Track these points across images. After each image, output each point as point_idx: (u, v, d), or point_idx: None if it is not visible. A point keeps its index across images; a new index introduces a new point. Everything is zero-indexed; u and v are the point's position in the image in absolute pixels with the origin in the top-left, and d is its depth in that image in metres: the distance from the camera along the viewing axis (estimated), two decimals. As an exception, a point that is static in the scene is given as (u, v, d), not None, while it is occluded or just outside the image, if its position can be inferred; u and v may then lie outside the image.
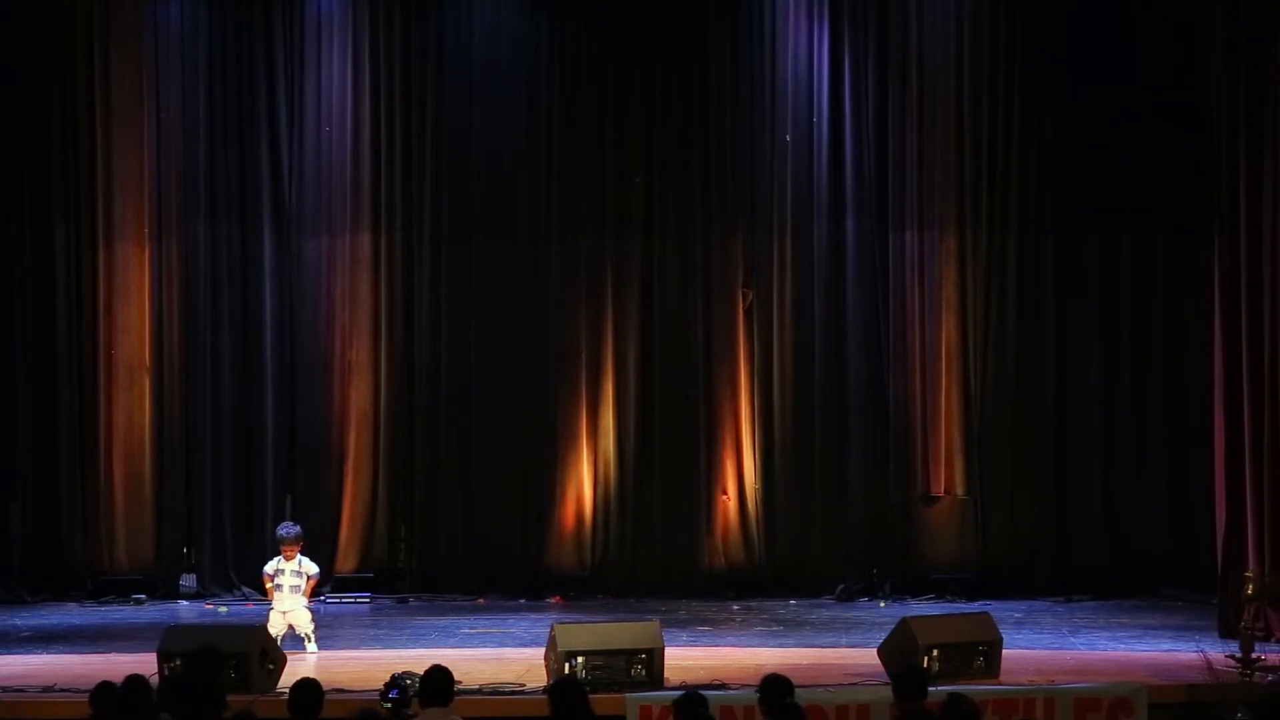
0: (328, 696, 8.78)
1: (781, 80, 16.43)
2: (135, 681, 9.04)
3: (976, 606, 14.51)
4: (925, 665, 11.11)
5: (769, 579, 16.31)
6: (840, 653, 13.05)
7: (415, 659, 11.15)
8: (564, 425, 16.48)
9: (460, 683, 9.34)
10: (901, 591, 16.04)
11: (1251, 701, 9.78)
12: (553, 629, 11.66)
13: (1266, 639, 12.44)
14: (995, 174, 16.23)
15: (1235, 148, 13.38)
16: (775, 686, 8.76)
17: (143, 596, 16.24)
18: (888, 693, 10.23)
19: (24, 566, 16.37)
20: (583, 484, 16.49)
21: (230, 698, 10.22)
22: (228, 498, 16.57)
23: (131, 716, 8.58)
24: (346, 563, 16.46)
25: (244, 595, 16.21)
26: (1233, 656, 11.25)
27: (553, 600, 16.05)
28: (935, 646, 11.44)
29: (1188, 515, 15.90)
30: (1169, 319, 16.19)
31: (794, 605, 15.76)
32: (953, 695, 8.35)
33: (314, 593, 13.97)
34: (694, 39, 16.53)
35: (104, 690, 8.80)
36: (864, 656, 12.15)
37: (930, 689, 8.84)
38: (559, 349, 16.55)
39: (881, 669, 11.59)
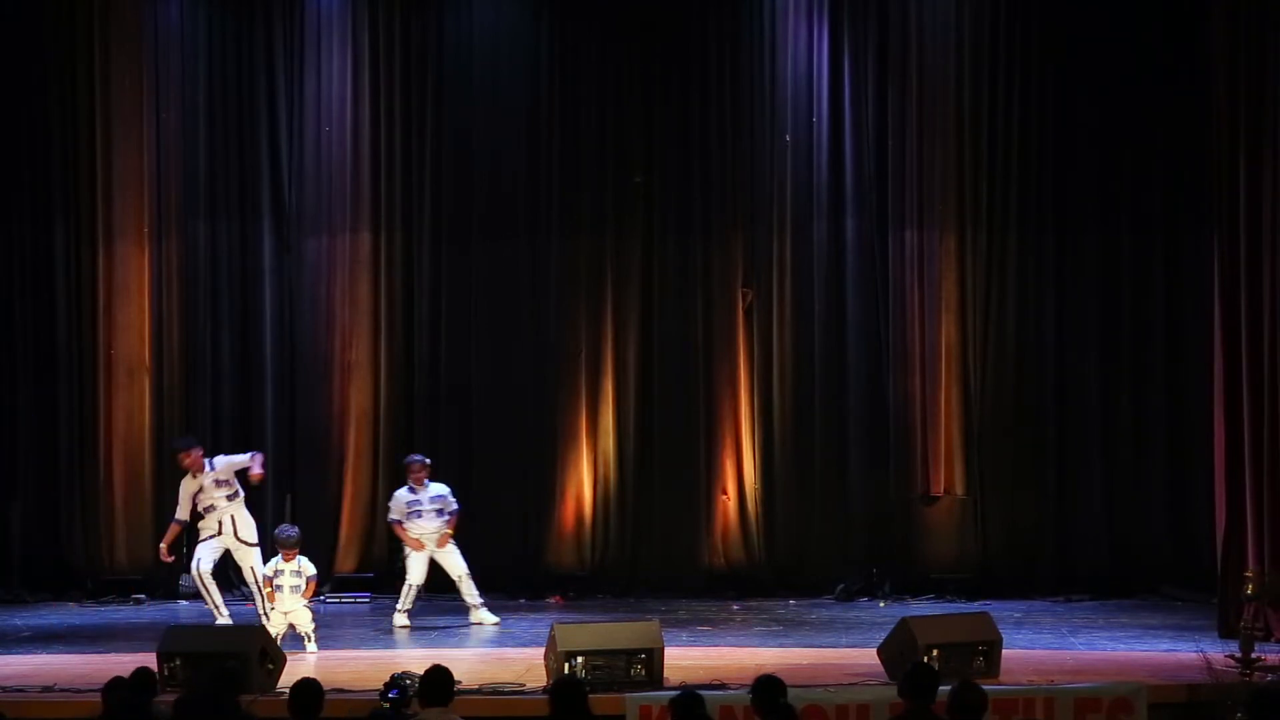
0: (328, 696, 8.78)
1: (781, 80, 16.43)
2: (141, 675, 9.12)
3: (976, 606, 14.51)
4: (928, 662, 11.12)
5: (769, 579, 16.31)
6: (840, 653, 13.04)
7: (415, 659, 11.16)
8: (564, 425, 16.49)
9: (460, 683, 9.34)
10: (901, 591, 16.04)
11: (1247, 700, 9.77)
12: (553, 629, 11.66)
13: (1266, 639, 12.43)
14: (995, 174, 16.22)
15: (1235, 148, 13.37)
16: (768, 687, 8.72)
17: (143, 596, 16.24)
18: (888, 693, 10.26)
19: (24, 566, 16.38)
20: (583, 484, 16.50)
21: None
22: (228, 498, 16.57)
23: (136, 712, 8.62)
24: (346, 563, 16.47)
25: (244, 595, 16.17)
26: (1233, 656, 11.26)
27: (553, 600, 16.05)
28: (935, 646, 11.44)
29: (1188, 515, 15.90)
30: (1169, 319, 16.18)
31: (794, 605, 15.76)
32: (963, 683, 8.32)
33: (313, 593, 14.02)
34: (694, 39, 16.53)
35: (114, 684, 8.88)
36: (864, 656, 12.16)
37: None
38: (559, 349, 16.56)
39: (881, 669, 11.60)
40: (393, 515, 14.74)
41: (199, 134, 16.61)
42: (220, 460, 14.05)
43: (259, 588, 13.82)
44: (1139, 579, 15.94)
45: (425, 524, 14.61)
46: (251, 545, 13.94)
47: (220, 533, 13.91)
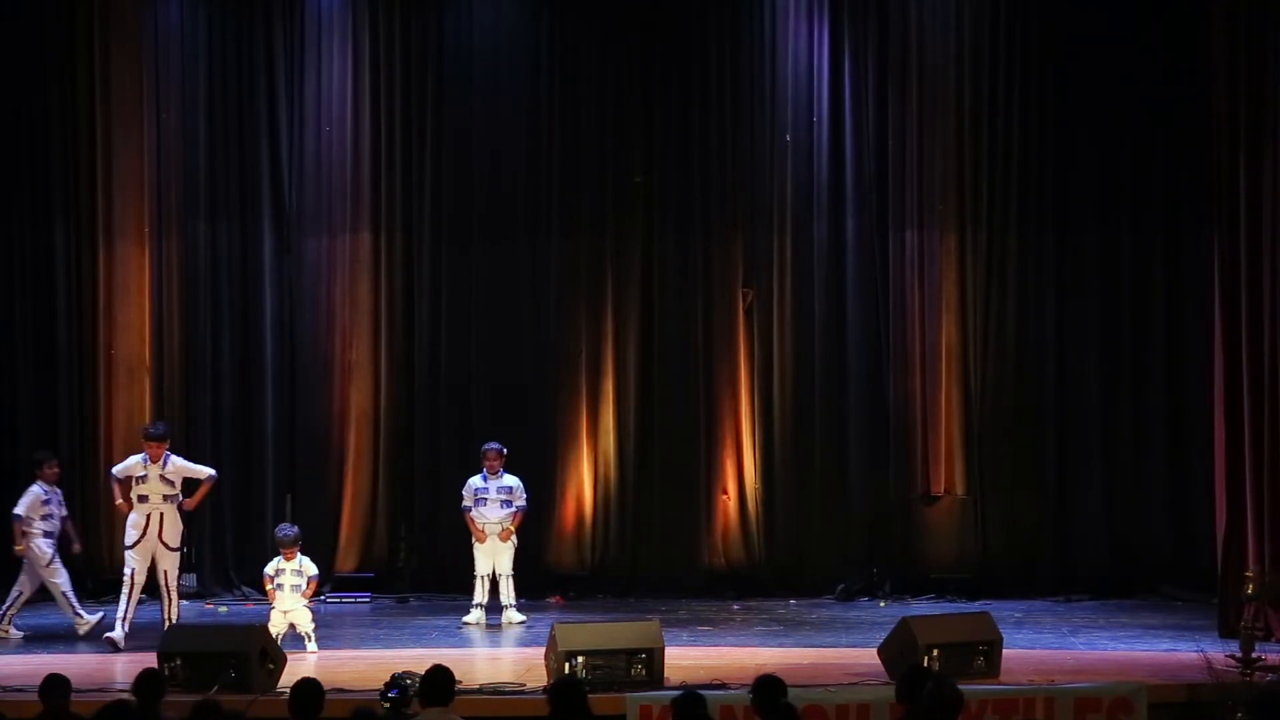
0: (328, 696, 8.78)
1: (781, 80, 16.43)
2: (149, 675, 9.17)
3: (976, 606, 14.52)
4: (925, 665, 11.12)
5: (769, 579, 16.31)
6: (840, 653, 13.05)
7: (415, 659, 11.16)
8: (564, 425, 16.49)
9: (460, 683, 9.34)
10: (901, 591, 16.04)
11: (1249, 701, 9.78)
12: (553, 629, 11.68)
13: (1266, 639, 12.44)
14: (995, 174, 16.23)
15: (1235, 148, 13.39)
16: (768, 687, 8.72)
17: (143, 596, 16.20)
18: (888, 693, 10.26)
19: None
20: (583, 484, 16.50)
21: (230, 697, 10.30)
22: (228, 498, 16.56)
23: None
24: (346, 563, 16.46)
25: (244, 595, 16.22)
26: (1233, 656, 11.26)
27: (553, 600, 16.05)
28: (935, 646, 11.45)
29: (1188, 515, 15.90)
30: (1169, 319, 16.19)
31: (794, 605, 15.76)
32: (939, 679, 8.32)
33: (314, 593, 14.04)
34: (694, 39, 16.53)
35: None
36: (864, 656, 12.17)
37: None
38: (559, 349, 16.56)
39: (881, 669, 11.61)
40: (464, 503, 14.87)
41: (199, 134, 16.60)
42: (177, 461, 14.06)
43: (168, 592, 13.83)
44: (1139, 579, 15.94)
45: (489, 512, 14.72)
46: (173, 550, 13.91)
47: (146, 533, 13.81)
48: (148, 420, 16.27)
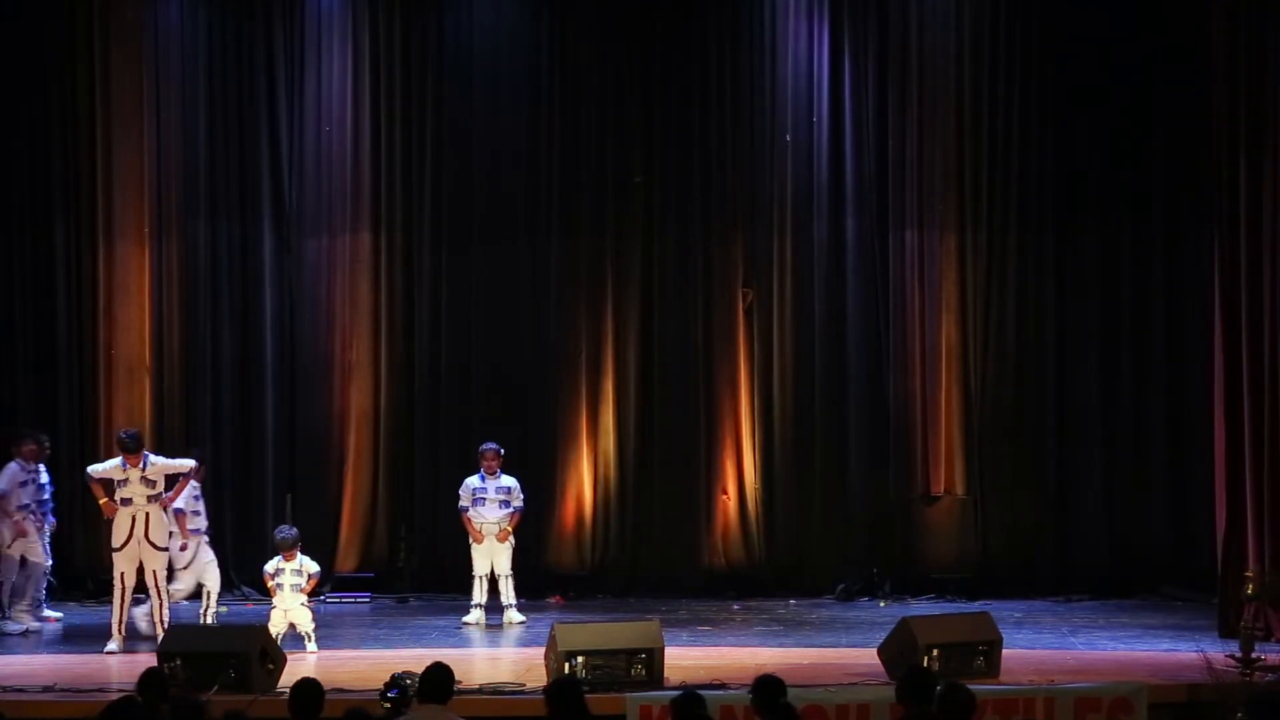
0: (328, 696, 8.78)
1: (781, 80, 16.43)
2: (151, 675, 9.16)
3: (976, 606, 14.52)
4: (925, 665, 11.12)
5: (769, 579, 16.32)
6: (840, 653, 13.06)
7: (415, 659, 11.15)
8: (564, 425, 16.49)
9: (460, 683, 9.34)
10: (901, 591, 16.04)
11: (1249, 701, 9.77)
12: (553, 629, 11.68)
13: (1266, 639, 12.45)
14: (995, 174, 16.23)
15: (1235, 148, 13.39)
16: (768, 687, 8.72)
17: (143, 596, 16.21)
18: (888, 693, 10.26)
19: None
20: (583, 484, 16.50)
21: (230, 698, 10.30)
22: (228, 498, 16.57)
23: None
24: (346, 563, 16.47)
25: (244, 595, 16.21)
26: (1233, 656, 11.26)
27: (553, 600, 16.05)
28: (935, 646, 11.46)
29: (1188, 515, 15.90)
30: (1169, 319, 16.18)
31: (794, 605, 15.76)
32: (950, 683, 8.33)
33: (314, 591, 14.05)
34: (694, 39, 16.53)
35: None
36: (864, 656, 12.17)
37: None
38: (559, 349, 16.56)
39: (881, 669, 11.61)
40: (461, 503, 14.88)
41: (199, 134, 16.60)
42: (157, 460, 13.92)
43: (158, 593, 13.71)
44: (1139, 579, 15.94)
45: (487, 512, 14.74)
46: (160, 550, 13.75)
47: (131, 535, 13.64)
48: (148, 421, 16.31)
